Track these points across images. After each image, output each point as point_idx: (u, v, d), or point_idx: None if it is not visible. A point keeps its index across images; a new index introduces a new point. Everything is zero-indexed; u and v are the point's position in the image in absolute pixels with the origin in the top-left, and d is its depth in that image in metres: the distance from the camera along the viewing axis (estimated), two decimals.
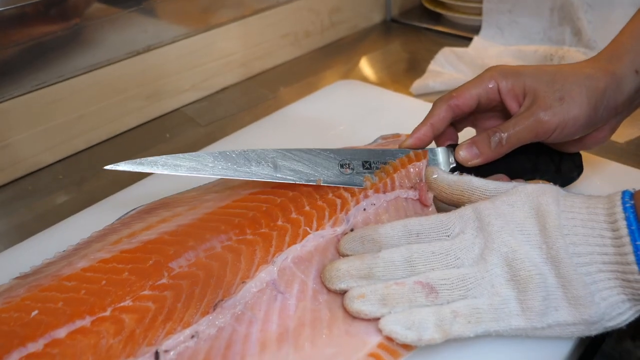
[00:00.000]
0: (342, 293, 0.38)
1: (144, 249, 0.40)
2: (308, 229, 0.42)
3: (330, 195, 0.45)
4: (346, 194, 0.44)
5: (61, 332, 0.35)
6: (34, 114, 0.59)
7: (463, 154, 0.44)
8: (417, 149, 0.46)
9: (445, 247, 0.37)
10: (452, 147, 0.46)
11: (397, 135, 0.56)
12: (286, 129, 0.64)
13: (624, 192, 0.35)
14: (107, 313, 0.36)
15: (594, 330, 0.35)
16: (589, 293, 0.34)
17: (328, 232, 0.42)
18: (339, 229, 0.42)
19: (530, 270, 0.35)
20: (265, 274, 0.38)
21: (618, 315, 0.34)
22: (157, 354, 0.34)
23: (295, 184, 0.47)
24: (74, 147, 0.63)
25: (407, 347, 0.38)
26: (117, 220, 0.46)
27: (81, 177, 0.60)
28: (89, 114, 0.63)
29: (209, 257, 0.40)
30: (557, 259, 0.35)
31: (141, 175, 0.56)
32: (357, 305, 0.36)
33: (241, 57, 0.79)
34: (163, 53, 0.68)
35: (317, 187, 0.45)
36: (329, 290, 0.39)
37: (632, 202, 0.34)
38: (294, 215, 0.44)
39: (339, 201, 0.44)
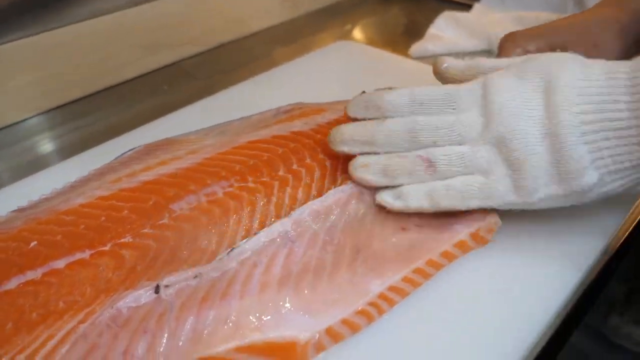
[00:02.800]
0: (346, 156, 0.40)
1: (143, 188, 0.40)
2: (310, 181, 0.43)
3: None
4: None
5: (60, 263, 0.35)
6: (31, 60, 0.58)
7: None
8: None
9: (449, 122, 0.37)
10: None
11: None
12: (282, 87, 0.63)
13: None
14: (107, 248, 0.36)
15: (587, 199, 0.36)
16: (582, 167, 0.34)
17: (349, 186, 0.42)
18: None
19: (525, 152, 0.35)
20: (280, 225, 0.38)
21: (613, 181, 0.34)
22: (157, 288, 0.34)
23: (295, 135, 0.47)
24: (71, 95, 0.62)
25: (403, 293, 0.39)
26: (115, 159, 0.45)
27: (76, 125, 0.59)
28: (86, 63, 0.62)
29: (210, 202, 0.40)
30: (556, 134, 0.34)
31: (136, 124, 0.56)
32: (360, 172, 0.39)
33: (239, 15, 0.77)
34: (162, 5, 0.67)
35: (317, 140, 0.45)
36: (338, 242, 0.39)
37: None
38: (295, 167, 0.44)
39: None
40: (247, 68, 0.71)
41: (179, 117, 0.57)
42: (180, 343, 0.32)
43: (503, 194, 0.36)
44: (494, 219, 0.41)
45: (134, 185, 0.40)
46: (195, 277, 0.34)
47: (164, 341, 0.32)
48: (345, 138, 0.40)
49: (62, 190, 0.42)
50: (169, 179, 0.41)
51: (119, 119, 0.59)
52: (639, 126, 0.32)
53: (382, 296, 0.37)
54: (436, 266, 0.40)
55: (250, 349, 0.33)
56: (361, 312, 0.36)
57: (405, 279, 0.38)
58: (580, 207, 0.40)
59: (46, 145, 0.57)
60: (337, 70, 0.67)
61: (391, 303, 0.38)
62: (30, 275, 0.34)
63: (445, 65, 0.42)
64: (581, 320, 0.41)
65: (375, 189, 0.41)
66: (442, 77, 0.42)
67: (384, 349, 0.35)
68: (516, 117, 0.36)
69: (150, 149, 0.46)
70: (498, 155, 0.36)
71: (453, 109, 0.38)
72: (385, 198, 0.39)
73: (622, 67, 0.34)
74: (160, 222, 0.38)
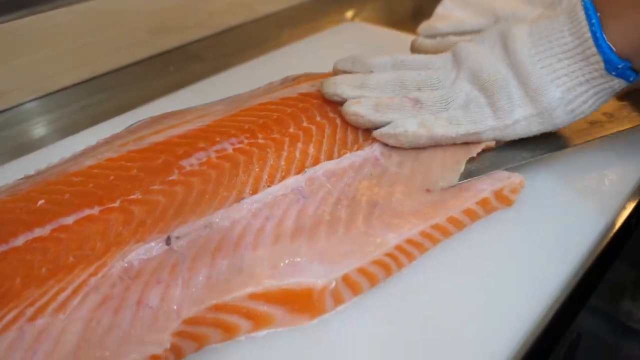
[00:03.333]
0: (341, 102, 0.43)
1: (153, 149, 0.39)
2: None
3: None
4: None
5: (68, 220, 0.34)
6: (36, 39, 0.57)
7: None
8: None
9: (429, 73, 0.43)
10: None
11: None
12: (289, 66, 0.62)
13: None
14: (116, 204, 0.35)
15: (558, 120, 0.39)
16: (545, 82, 0.39)
17: (365, 152, 0.41)
18: (376, 146, 0.41)
19: (494, 75, 0.40)
20: (293, 181, 0.37)
21: (576, 97, 0.39)
22: (168, 239, 0.33)
23: (304, 96, 0.46)
24: (78, 77, 0.62)
25: (421, 248, 0.37)
26: (123, 129, 0.44)
27: (83, 105, 0.59)
28: (93, 42, 0.62)
29: (220, 157, 0.39)
30: (517, 63, 0.40)
31: (144, 100, 0.55)
32: (354, 107, 0.42)
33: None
34: None
35: (326, 100, 0.45)
36: (353, 198, 0.38)
37: None
38: (305, 124, 0.43)
39: None
40: (255, 50, 0.70)
41: (186, 94, 0.57)
42: (194, 291, 0.31)
43: (484, 117, 0.40)
44: (518, 179, 0.40)
45: (144, 146, 0.40)
46: (206, 227, 0.33)
47: (178, 290, 0.31)
48: (338, 83, 0.43)
49: (70, 157, 0.41)
50: (179, 140, 0.40)
51: (126, 99, 0.58)
52: (581, 44, 0.38)
53: (399, 248, 0.36)
54: (457, 224, 0.39)
55: (265, 296, 0.31)
56: (378, 262, 0.35)
57: (424, 234, 0.37)
58: (582, 189, 0.41)
59: (51, 125, 0.56)
60: (346, 49, 0.66)
61: (410, 257, 0.37)
62: (38, 232, 0.33)
63: (418, 42, 0.53)
64: (586, 300, 0.39)
65: (389, 157, 0.41)
66: (418, 52, 0.50)
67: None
68: (482, 56, 0.42)
69: (159, 119, 0.45)
70: (474, 88, 0.41)
71: (429, 68, 0.44)
72: (383, 131, 0.41)
73: (561, 9, 0.41)
74: (170, 178, 0.37)
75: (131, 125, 0.46)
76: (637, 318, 0.76)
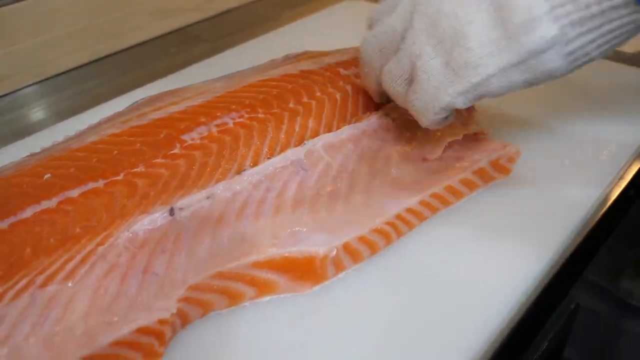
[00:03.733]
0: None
1: (155, 124, 0.40)
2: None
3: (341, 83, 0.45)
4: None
5: (74, 193, 0.35)
6: (36, 23, 0.58)
7: None
8: None
9: (385, 25, 0.35)
10: None
11: None
12: (290, 44, 0.62)
13: None
14: (120, 177, 0.36)
15: (552, 65, 0.30)
16: (534, 17, 0.28)
17: (363, 124, 0.41)
18: (374, 119, 0.42)
19: (451, 19, 0.31)
20: (292, 153, 0.38)
21: (580, 35, 0.29)
22: (172, 210, 0.33)
23: (305, 73, 0.46)
24: (78, 60, 0.62)
25: (420, 216, 0.38)
26: (125, 108, 0.45)
27: (84, 88, 0.60)
28: (92, 26, 0.62)
29: (221, 131, 0.40)
30: None
31: (146, 81, 0.56)
32: None
33: None
34: None
35: (327, 77, 0.45)
36: (352, 170, 0.38)
37: None
38: (305, 99, 0.43)
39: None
40: (255, 30, 0.70)
41: (188, 75, 0.57)
42: (198, 260, 0.32)
43: (443, 84, 0.32)
44: (514, 149, 0.40)
45: (146, 122, 0.40)
46: (208, 198, 0.34)
47: (182, 259, 0.32)
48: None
49: (74, 134, 0.42)
50: (180, 115, 0.41)
51: (127, 81, 0.59)
52: None
53: (399, 217, 0.37)
54: (456, 193, 0.39)
55: (268, 264, 0.32)
56: (378, 231, 0.35)
57: (423, 203, 0.38)
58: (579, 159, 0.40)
59: (52, 108, 0.57)
60: (346, 28, 0.66)
61: (410, 225, 0.37)
62: (46, 204, 0.34)
63: None
64: (585, 266, 0.40)
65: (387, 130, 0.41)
66: None
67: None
68: None
69: (159, 97, 0.46)
70: (428, 40, 0.32)
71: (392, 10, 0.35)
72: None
73: None
74: (172, 152, 0.38)
75: (132, 104, 0.46)
76: (637, 296, 0.78)
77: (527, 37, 0.28)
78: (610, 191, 0.41)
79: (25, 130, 0.53)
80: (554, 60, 0.29)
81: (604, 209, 0.40)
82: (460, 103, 0.32)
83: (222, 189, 0.35)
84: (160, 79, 0.56)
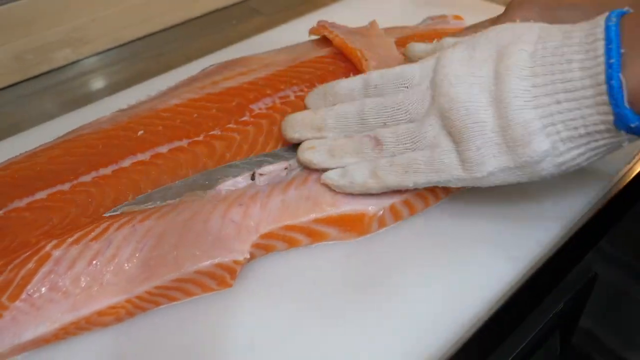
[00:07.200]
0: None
1: (227, 93, 0.46)
2: None
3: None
4: None
5: (163, 149, 0.41)
6: None
7: None
8: None
9: (398, 100, 0.36)
10: None
11: (444, 17, 0.59)
12: (352, 16, 0.66)
13: (610, 13, 0.30)
14: (201, 138, 0.42)
15: (543, 172, 0.33)
16: (530, 132, 0.31)
17: None
18: None
19: (466, 121, 0.33)
20: None
21: (569, 150, 0.31)
22: (253, 175, 0.39)
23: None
24: (151, 29, 0.69)
25: None
26: (198, 72, 0.51)
27: (158, 52, 0.66)
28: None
29: (283, 103, 0.45)
30: (501, 100, 0.32)
31: (210, 50, 0.61)
32: (307, 155, 0.38)
33: None
34: None
35: None
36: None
37: (618, 20, 0.29)
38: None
39: None
40: (313, 2, 0.74)
41: (248, 45, 0.63)
42: (270, 213, 0.38)
43: (449, 167, 0.34)
44: None
45: (219, 90, 0.46)
46: (286, 168, 0.40)
47: (256, 211, 0.38)
48: (296, 124, 0.39)
49: (156, 95, 0.48)
50: (249, 86, 0.46)
51: (194, 49, 0.65)
52: (592, 86, 0.29)
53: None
54: None
55: (326, 220, 0.38)
56: (420, 195, 0.41)
57: None
58: None
59: (128, 71, 0.63)
60: (394, 4, 0.70)
61: (447, 191, 0.42)
62: (141, 157, 0.40)
63: (413, 50, 0.42)
64: (595, 242, 0.44)
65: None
66: (410, 58, 0.42)
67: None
68: (457, 86, 0.33)
69: (228, 64, 0.51)
70: (442, 128, 0.34)
71: (406, 87, 0.36)
72: (330, 175, 0.38)
73: (579, 27, 0.31)
74: (242, 119, 0.44)
75: (203, 69, 0.52)
76: None
77: (523, 149, 0.32)
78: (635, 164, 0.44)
79: (107, 89, 0.60)
80: (547, 169, 0.32)
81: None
82: (458, 184, 0.35)
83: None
84: (224, 48, 0.62)
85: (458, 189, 0.42)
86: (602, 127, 0.30)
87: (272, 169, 0.40)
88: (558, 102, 0.30)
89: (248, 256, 0.36)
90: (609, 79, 0.28)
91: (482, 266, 0.37)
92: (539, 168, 0.32)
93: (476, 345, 0.35)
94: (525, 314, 0.41)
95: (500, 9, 0.42)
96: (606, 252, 0.65)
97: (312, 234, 0.39)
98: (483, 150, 0.33)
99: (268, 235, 0.37)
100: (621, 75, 0.28)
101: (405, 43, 0.48)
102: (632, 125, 0.29)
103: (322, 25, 0.53)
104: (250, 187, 0.39)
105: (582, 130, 0.30)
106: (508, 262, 0.37)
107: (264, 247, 0.38)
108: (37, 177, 0.39)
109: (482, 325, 0.35)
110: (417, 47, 0.42)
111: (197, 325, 0.34)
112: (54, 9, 0.60)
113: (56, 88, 0.61)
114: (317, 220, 0.38)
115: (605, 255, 0.65)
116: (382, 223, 0.40)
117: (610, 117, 0.29)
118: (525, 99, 0.31)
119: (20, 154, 0.42)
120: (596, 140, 0.31)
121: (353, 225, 0.39)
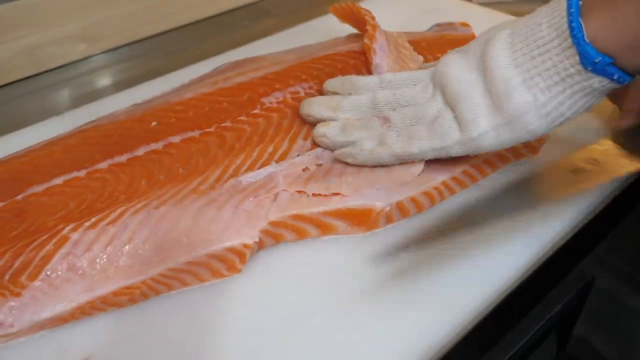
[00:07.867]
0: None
1: (239, 87, 0.47)
2: None
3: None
4: None
5: (176, 139, 0.42)
6: None
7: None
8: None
9: (405, 91, 0.41)
10: None
11: (452, 23, 0.61)
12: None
13: None
14: (212, 129, 0.43)
15: (533, 126, 0.36)
16: (511, 86, 0.35)
17: None
18: None
19: (455, 85, 0.38)
20: None
21: (550, 99, 0.35)
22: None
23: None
24: (164, 27, 0.70)
25: (462, 184, 0.44)
26: (211, 70, 0.52)
27: (173, 49, 0.67)
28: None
29: (293, 99, 0.47)
30: (487, 68, 0.37)
31: (222, 50, 0.63)
32: (321, 128, 0.42)
33: None
34: None
35: None
36: None
37: None
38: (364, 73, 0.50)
39: None
40: (322, 6, 0.76)
41: (259, 46, 0.64)
42: (281, 203, 0.39)
43: (449, 131, 0.38)
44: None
45: (230, 85, 0.47)
46: (304, 170, 0.41)
47: (269, 202, 0.39)
48: (313, 103, 0.44)
49: (170, 90, 0.49)
50: (260, 81, 0.48)
51: (205, 49, 0.66)
52: (558, 36, 0.34)
53: (444, 183, 0.43)
54: (492, 165, 0.45)
55: (335, 213, 0.39)
56: (426, 193, 0.42)
57: (465, 172, 0.44)
58: None
59: (143, 67, 0.65)
60: (416, 6, 0.71)
61: (451, 191, 0.44)
62: (154, 146, 0.42)
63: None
64: (591, 247, 0.45)
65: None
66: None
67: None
68: (453, 67, 0.39)
69: (241, 62, 0.53)
70: (443, 102, 0.39)
71: (414, 83, 0.42)
72: (342, 151, 0.41)
73: (547, 4, 0.36)
74: (253, 112, 0.45)
75: (216, 68, 0.53)
76: None
77: (507, 103, 0.36)
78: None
79: (121, 85, 0.61)
80: (533, 122, 0.36)
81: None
82: (460, 152, 0.39)
83: (311, 157, 0.42)
84: (235, 49, 0.63)
85: (461, 188, 0.44)
86: (572, 70, 0.34)
87: (291, 165, 0.41)
88: (533, 58, 0.35)
89: (257, 240, 0.37)
90: (570, 23, 0.33)
91: (480, 267, 0.38)
92: (526, 121, 0.36)
93: (473, 344, 0.37)
94: (522, 315, 0.43)
95: (504, 17, 0.43)
96: (603, 257, 0.65)
97: (321, 225, 0.40)
98: (475, 111, 0.37)
99: (277, 224, 0.38)
100: (580, 19, 0.33)
101: (415, 49, 0.51)
102: (596, 60, 0.33)
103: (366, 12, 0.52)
104: (268, 180, 0.40)
105: (556, 78, 0.35)
106: (507, 262, 0.39)
107: (273, 235, 0.39)
108: (54, 164, 0.40)
109: (479, 324, 0.36)
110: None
111: (209, 309, 0.36)
112: (70, 5, 0.62)
113: (71, 82, 0.62)
114: (325, 213, 0.39)
115: (602, 260, 0.66)
116: (389, 219, 0.41)
117: (577, 58, 0.33)
118: (505, 62, 0.36)
119: (38, 143, 0.44)
120: (571, 87, 0.35)
121: (360, 220, 0.40)
